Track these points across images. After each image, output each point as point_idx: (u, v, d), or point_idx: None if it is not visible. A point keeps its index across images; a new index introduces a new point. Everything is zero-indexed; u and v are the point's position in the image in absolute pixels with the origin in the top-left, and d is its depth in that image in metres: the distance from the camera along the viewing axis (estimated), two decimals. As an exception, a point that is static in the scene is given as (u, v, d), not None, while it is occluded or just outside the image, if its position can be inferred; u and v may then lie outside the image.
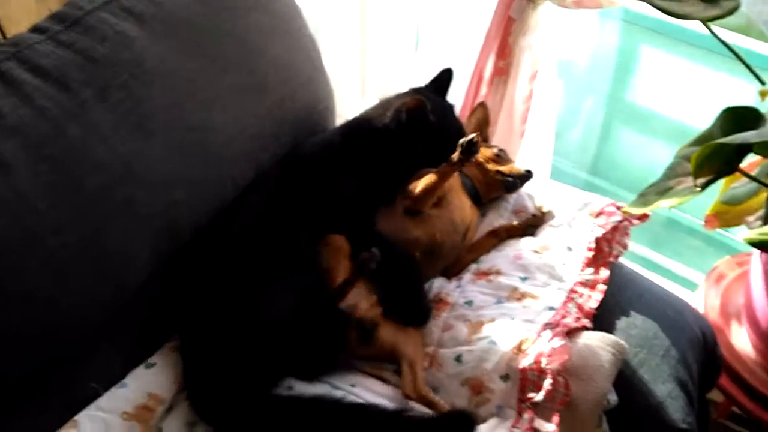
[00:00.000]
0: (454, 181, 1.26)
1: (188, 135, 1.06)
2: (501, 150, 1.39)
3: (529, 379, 1.04)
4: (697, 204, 1.43)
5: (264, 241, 1.10)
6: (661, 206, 1.09)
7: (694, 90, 1.85)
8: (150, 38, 1.06)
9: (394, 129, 1.21)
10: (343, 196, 1.18)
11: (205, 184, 1.09)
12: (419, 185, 1.22)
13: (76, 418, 0.97)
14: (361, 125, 1.28)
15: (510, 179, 1.33)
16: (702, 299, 1.45)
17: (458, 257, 1.28)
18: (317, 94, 1.32)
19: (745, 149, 1.04)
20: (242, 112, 1.15)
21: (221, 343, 1.01)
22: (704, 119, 1.15)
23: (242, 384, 0.99)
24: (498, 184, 1.34)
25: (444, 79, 1.30)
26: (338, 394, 1.04)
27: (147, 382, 1.02)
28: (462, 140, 1.14)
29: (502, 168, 1.34)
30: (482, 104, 1.46)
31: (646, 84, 1.93)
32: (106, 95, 0.99)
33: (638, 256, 2.03)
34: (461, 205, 1.28)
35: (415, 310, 1.17)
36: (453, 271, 1.28)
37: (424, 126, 1.19)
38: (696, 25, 1.19)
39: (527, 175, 1.35)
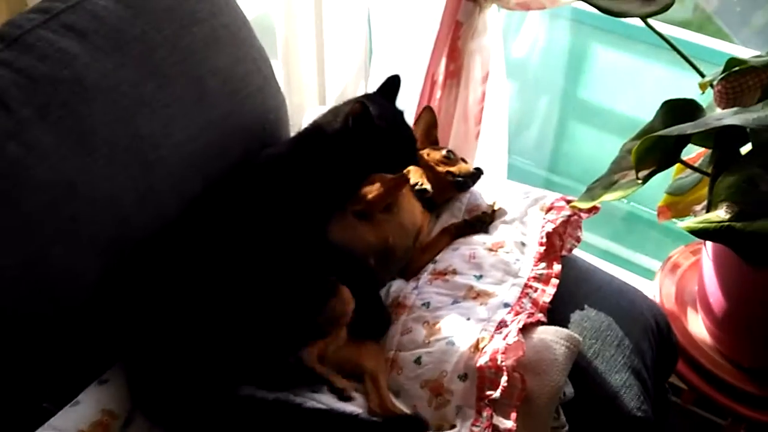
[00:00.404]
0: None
1: (132, 149, 1.06)
2: (449, 151, 1.41)
3: (487, 377, 1.05)
4: (656, 197, 1.46)
5: (218, 254, 1.09)
6: (607, 200, 1.12)
7: (646, 85, 1.89)
8: (92, 54, 1.06)
9: (342, 135, 1.22)
10: (296, 207, 1.18)
11: (152, 197, 1.09)
12: (372, 191, 1.23)
13: (29, 439, 0.96)
14: (311, 134, 1.29)
15: (460, 179, 1.35)
16: (658, 288, 1.48)
17: (413, 259, 1.30)
18: (267, 105, 1.32)
19: (683, 140, 1.07)
20: (188, 124, 1.15)
21: (175, 351, 1.00)
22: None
23: (197, 387, 0.99)
24: (449, 185, 1.36)
25: (392, 85, 1.31)
26: (298, 400, 1.04)
27: (101, 398, 1.01)
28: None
29: (451, 168, 1.36)
30: (428, 108, 1.48)
31: (598, 81, 1.98)
32: (46, 113, 0.99)
33: (600, 249, 2.06)
34: (411, 209, 1.30)
35: (374, 323, 1.17)
36: (409, 272, 1.29)
37: (372, 130, 1.20)
38: (642, 22, 1.22)
39: (477, 173, 1.37)
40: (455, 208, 1.38)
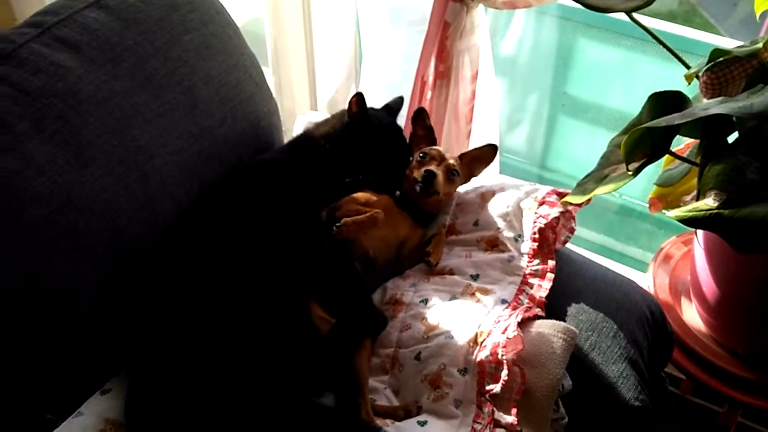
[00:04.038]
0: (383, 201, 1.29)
1: (128, 159, 1.07)
2: (424, 152, 1.36)
3: (487, 371, 1.06)
4: (647, 189, 1.48)
5: (219, 261, 1.09)
6: (599, 194, 1.13)
7: (634, 79, 1.91)
8: (85, 66, 1.07)
9: (339, 131, 1.26)
10: (291, 209, 1.19)
11: (149, 207, 1.10)
12: (348, 222, 1.19)
13: (34, 450, 0.96)
14: (306, 137, 1.31)
15: (419, 184, 1.28)
16: (651, 279, 1.49)
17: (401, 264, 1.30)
18: (259, 111, 1.33)
19: (672, 131, 1.09)
20: (182, 133, 1.16)
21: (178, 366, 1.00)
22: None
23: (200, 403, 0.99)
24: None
25: (396, 103, 1.38)
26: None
27: (103, 408, 1.01)
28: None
29: (415, 174, 1.30)
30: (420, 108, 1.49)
31: (587, 76, 1.99)
32: (42, 127, 1.00)
33: (594, 243, 2.08)
34: (393, 223, 1.28)
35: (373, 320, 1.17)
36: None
37: (365, 124, 1.24)
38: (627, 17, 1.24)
39: (427, 176, 1.28)
40: (447, 205, 1.38)
